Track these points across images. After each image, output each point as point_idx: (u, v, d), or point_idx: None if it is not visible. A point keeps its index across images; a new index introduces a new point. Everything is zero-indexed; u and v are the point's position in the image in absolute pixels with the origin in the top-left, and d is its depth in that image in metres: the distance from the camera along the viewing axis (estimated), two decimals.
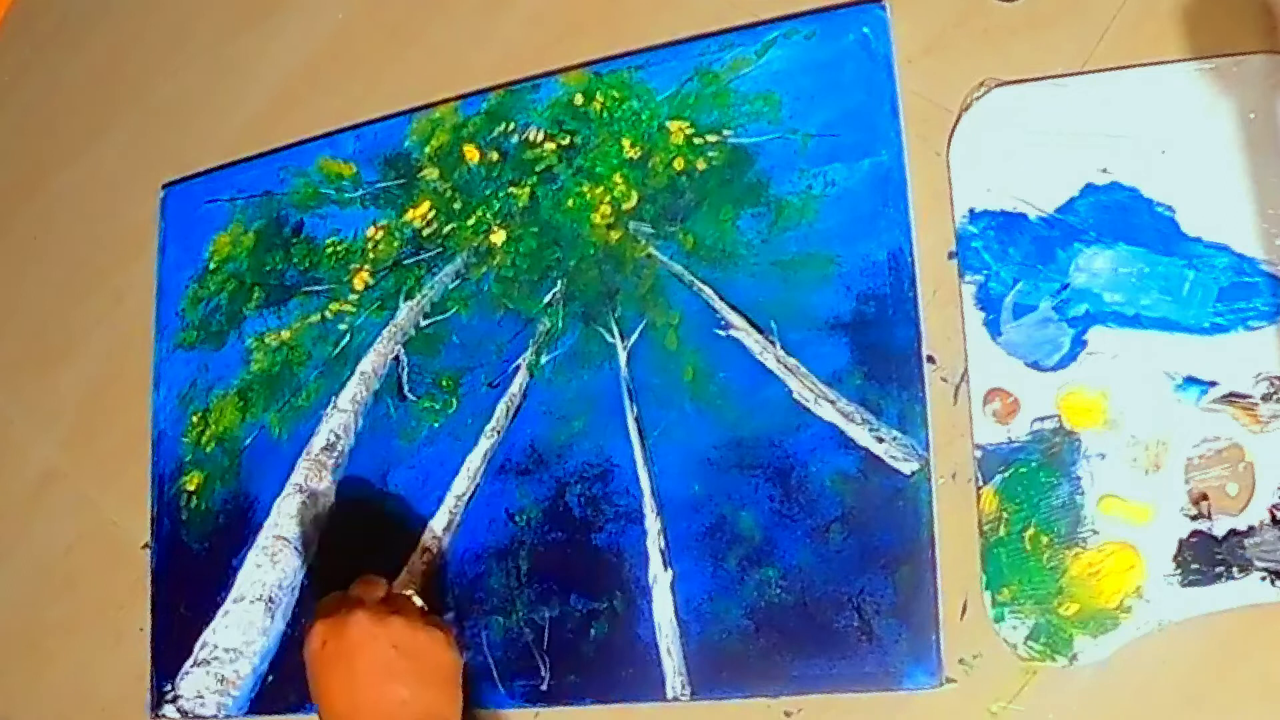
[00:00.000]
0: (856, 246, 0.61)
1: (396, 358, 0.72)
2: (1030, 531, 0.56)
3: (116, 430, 0.81)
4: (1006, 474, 0.57)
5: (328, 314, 0.74)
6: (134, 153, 0.85)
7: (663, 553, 0.63)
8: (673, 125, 0.66)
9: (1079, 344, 0.57)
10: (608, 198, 0.68)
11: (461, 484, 0.68)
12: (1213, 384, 0.55)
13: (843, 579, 0.59)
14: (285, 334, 0.75)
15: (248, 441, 0.75)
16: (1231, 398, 0.54)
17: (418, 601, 0.61)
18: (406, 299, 0.72)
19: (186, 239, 0.80)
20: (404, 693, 0.55)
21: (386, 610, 0.57)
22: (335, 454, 0.72)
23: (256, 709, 0.71)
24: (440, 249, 0.72)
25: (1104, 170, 0.58)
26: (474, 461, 0.68)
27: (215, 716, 0.72)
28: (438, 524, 0.68)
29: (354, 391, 0.72)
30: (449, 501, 0.68)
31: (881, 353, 0.60)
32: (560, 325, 0.67)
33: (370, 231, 0.74)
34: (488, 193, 0.71)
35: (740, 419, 0.62)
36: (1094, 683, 0.55)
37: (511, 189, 0.70)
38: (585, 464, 0.65)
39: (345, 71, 0.78)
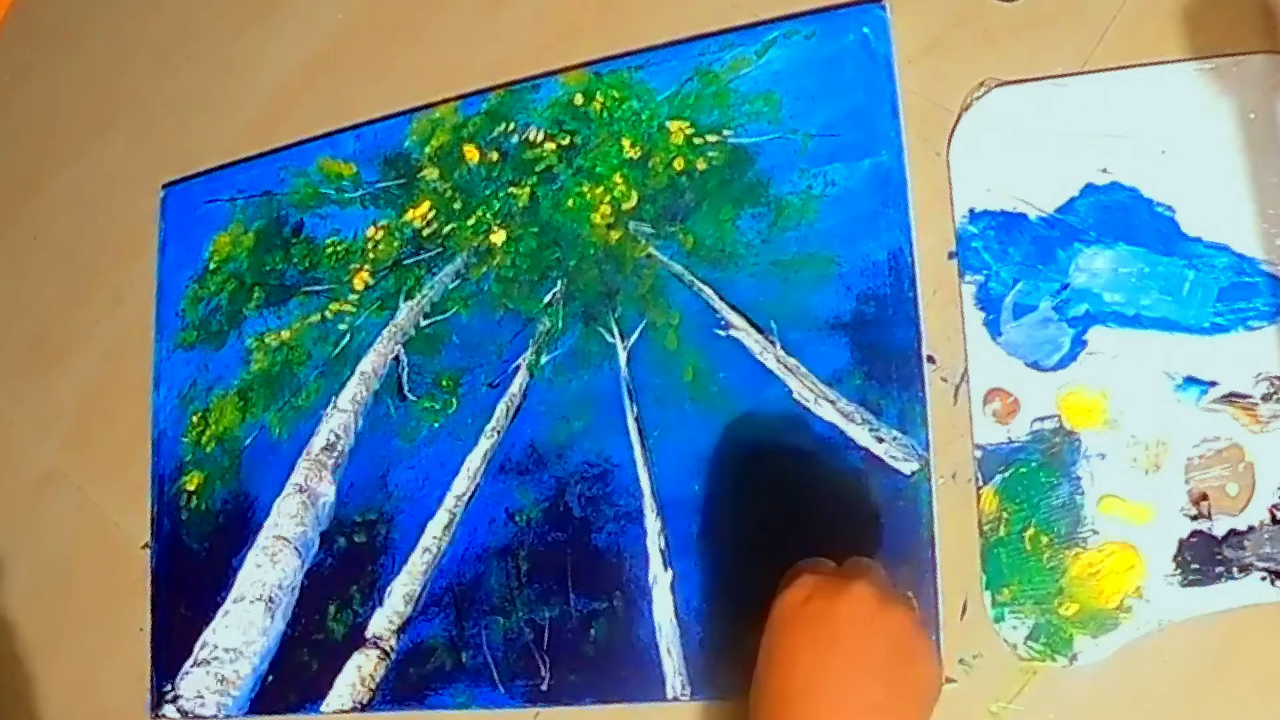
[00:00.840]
0: (856, 246, 0.61)
1: (396, 358, 0.72)
2: (1030, 531, 0.56)
3: (116, 430, 0.81)
4: (1006, 474, 0.57)
5: (328, 314, 0.74)
6: (134, 153, 0.85)
7: (663, 553, 0.63)
8: (673, 125, 0.66)
9: (1079, 344, 0.57)
10: (608, 198, 0.68)
11: (461, 484, 0.68)
12: (1213, 384, 0.55)
13: None
14: (285, 334, 0.75)
15: (248, 441, 0.75)
16: (1231, 398, 0.54)
17: (915, 604, 0.54)
18: (406, 299, 0.72)
19: (186, 239, 0.80)
20: (880, 696, 0.45)
21: (895, 592, 0.48)
22: (335, 454, 0.72)
23: (256, 709, 0.71)
24: (440, 249, 0.72)
25: (1104, 170, 0.58)
26: (474, 461, 0.68)
27: (215, 716, 0.72)
28: (438, 524, 0.68)
29: (354, 391, 0.72)
30: (449, 501, 0.68)
31: (881, 353, 0.60)
32: (560, 325, 0.67)
33: (370, 231, 0.74)
34: (488, 193, 0.71)
35: (740, 419, 0.62)
36: (1094, 683, 0.55)
37: (511, 189, 0.70)
38: (585, 464, 0.65)
39: (345, 71, 0.78)
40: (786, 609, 0.47)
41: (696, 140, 0.66)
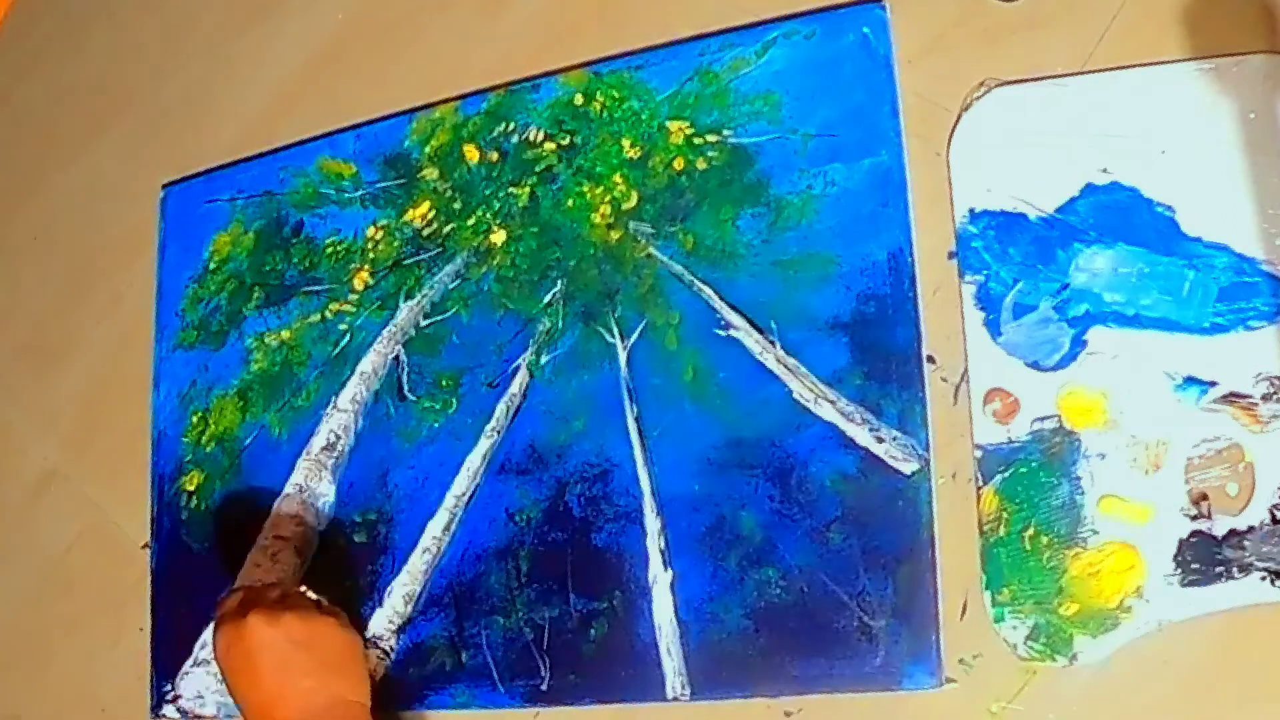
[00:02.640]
0: (856, 246, 0.61)
1: (396, 358, 0.72)
2: (1030, 531, 0.56)
3: (116, 430, 0.81)
4: (1006, 474, 0.57)
5: (328, 314, 0.74)
6: (134, 153, 0.85)
7: (663, 553, 0.63)
8: (673, 125, 0.66)
9: (1079, 344, 0.57)
10: (608, 198, 0.68)
11: (461, 484, 0.68)
12: (1213, 384, 0.55)
13: (843, 579, 0.59)
14: (285, 334, 0.75)
15: (248, 441, 0.75)
16: (1231, 398, 0.54)
17: (312, 595, 0.63)
18: (406, 299, 0.72)
19: (186, 239, 0.80)
20: (309, 682, 0.58)
21: (279, 607, 0.60)
22: (335, 454, 0.72)
23: None
24: (440, 249, 0.72)
25: (1104, 170, 0.58)
26: (474, 461, 0.68)
27: (215, 716, 0.72)
28: (438, 524, 0.68)
29: (354, 391, 0.72)
30: (449, 501, 0.68)
31: (881, 353, 0.60)
32: (560, 325, 0.67)
33: (370, 231, 0.74)
34: (488, 193, 0.71)
35: (740, 419, 0.62)
36: (1094, 683, 0.55)
37: (511, 189, 0.70)
38: (585, 464, 0.65)
39: (345, 71, 0.78)
40: (220, 663, 0.61)
41: (696, 140, 0.66)
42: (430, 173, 0.73)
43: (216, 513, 0.75)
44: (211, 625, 0.61)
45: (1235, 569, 0.53)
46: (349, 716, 0.59)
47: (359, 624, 0.68)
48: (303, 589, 0.63)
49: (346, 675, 0.60)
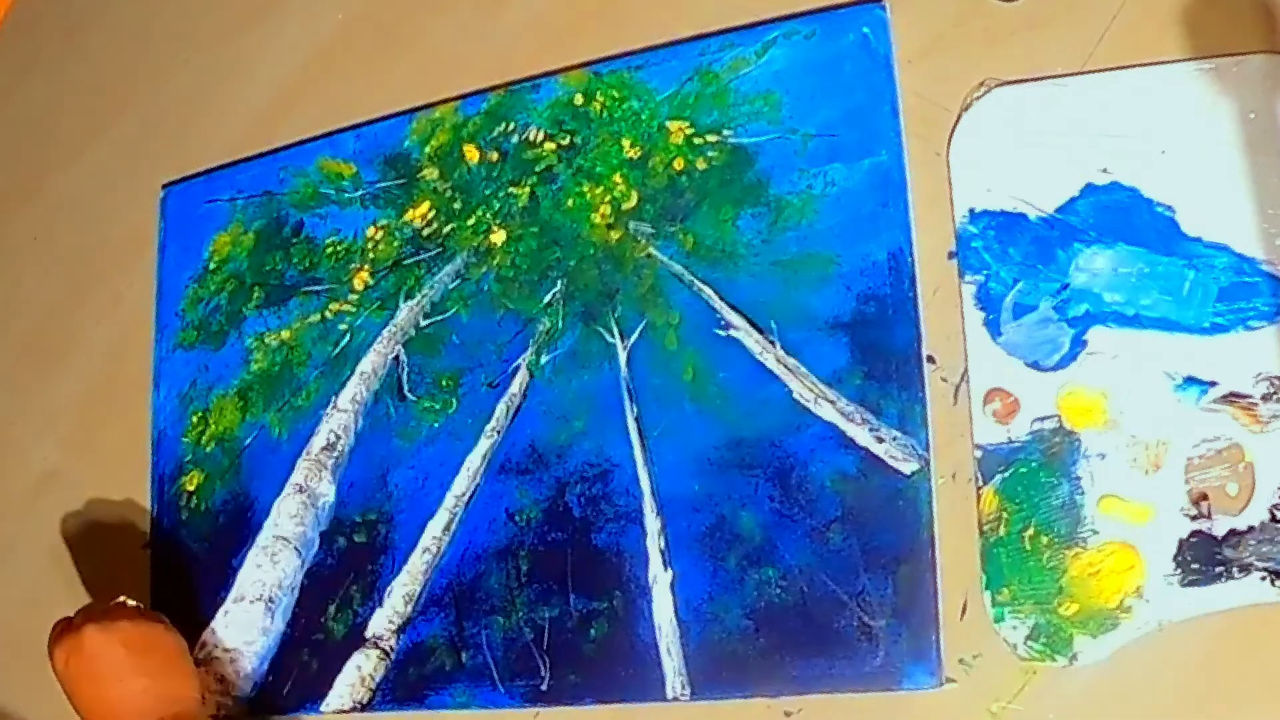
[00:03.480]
0: (856, 246, 0.61)
1: (396, 358, 0.72)
2: (1030, 531, 0.56)
3: (116, 430, 0.81)
4: (1006, 474, 0.57)
5: (328, 314, 0.74)
6: (134, 153, 0.85)
7: (663, 553, 0.63)
8: (673, 125, 0.66)
9: (1079, 344, 0.57)
10: (608, 198, 0.68)
11: (461, 484, 0.68)
12: (1213, 384, 0.55)
13: (843, 579, 0.59)
14: (285, 334, 0.75)
15: (248, 441, 0.75)
16: (1231, 398, 0.54)
17: (133, 603, 0.67)
18: (406, 299, 0.72)
19: (186, 239, 0.80)
20: (144, 681, 0.63)
21: (109, 616, 0.65)
22: (335, 454, 0.72)
23: (256, 709, 0.71)
24: (440, 249, 0.72)
25: (1104, 170, 0.58)
26: (474, 461, 0.68)
27: (215, 716, 0.72)
28: (438, 524, 0.68)
29: (354, 391, 0.72)
30: (449, 501, 0.68)
31: (881, 353, 0.60)
32: (560, 325, 0.67)
33: (370, 231, 0.74)
34: (488, 193, 0.71)
35: (740, 419, 0.62)
36: (1094, 683, 0.55)
37: (511, 189, 0.70)
38: (585, 464, 0.65)
39: (345, 71, 0.78)
40: (61, 679, 0.64)
41: (696, 140, 0.66)
42: (430, 173, 0.73)
43: (216, 513, 0.75)
44: (47, 646, 0.65)
45: (1235, 569, 0.53)
46: (185, 713, 0.64)
47: (362, 626, 0.69)
48: (123, 599, 0.67)
49: (179, 673, 0.66)
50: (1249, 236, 0.55)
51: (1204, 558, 0.54)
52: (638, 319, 0.65)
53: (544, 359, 0.67)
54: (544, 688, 0.64)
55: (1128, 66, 0.58)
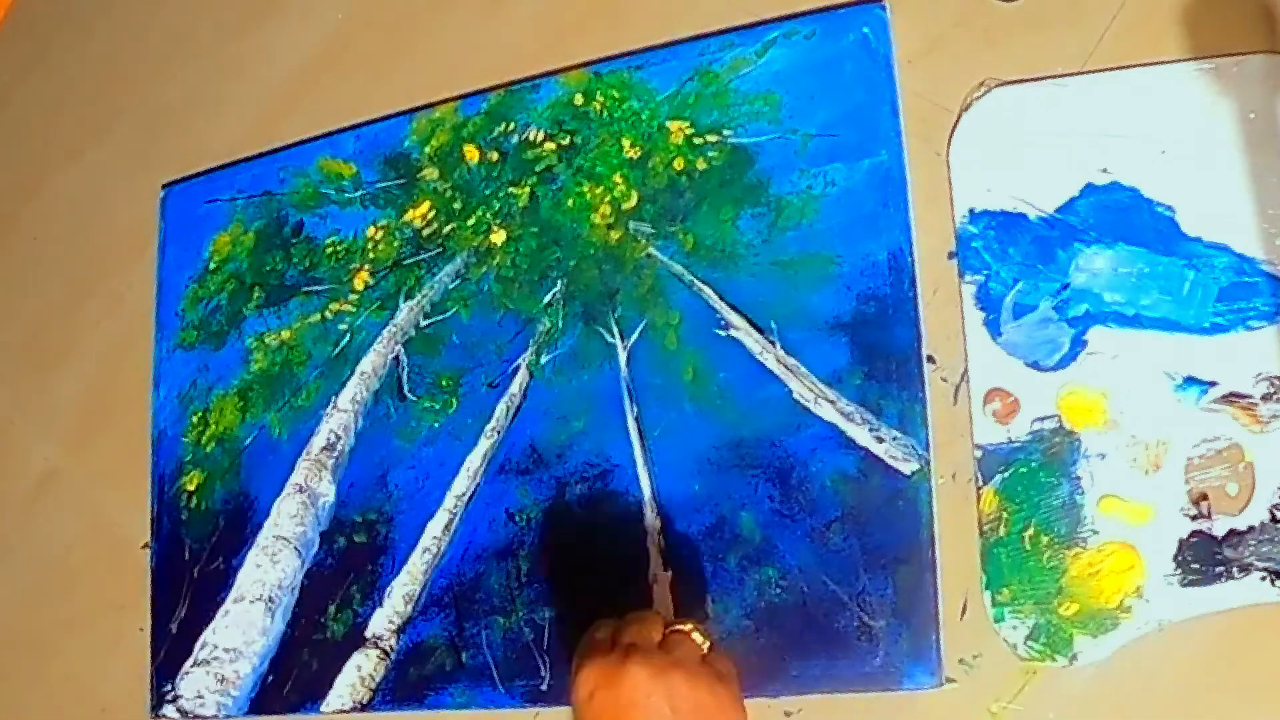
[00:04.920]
0: (856, 246, 0.61)
1: (396, 358, 0.72)
2: (1030, 531, 0.56)
3: (116, 430, 0.81)
4: (1006, 474, 0.57)
5: (328, 314, 0.74)
6: (134, 153, 0.85)
7: (663, 553, 0.63)
8: (673, 125, 0.66)
9: (1079, 344, 0.57)
10: (608, 198, 0.68)
11: (461, 484, 0.68)
12: (1213, 384, 0.55)
13: (843, 579, 0.59)
14: (285, 334, 0.75)
15: (248, 441, 0.75)
16: (1231, 398, 0.54)
17: (698, 639, 0.54)
18: (406, 299, 0.72)
19: (186, 239, 0.80)
20: None
21: (666, 661, 0.51)
22: (335, 454, 0.72)
23: (256, 709, 0.71)
24: (440, 249, 0.72)
25: (1104, 170, 0.58)
26: (474, 461, 0.68)
27: (215, 716, 0.72)
28: (438, 524, 0.68)
29: (354, 391, 0.72)
30: (449, 501, 0.68)
31: (881, 353, 0.60)
32: (560, 325, 0.67)
33: (370, 231, 0.74)
34: (488, 193, 0.71)
35: (740, 419, 0.62)
36: (1094, 683, 0.55)
37: (511, 189, 0.70)
38: (585, 464, 0.65)
39: (345, 71, 0.78)
40: (578, 708, 0.51)
41: (696, 140, 0.66)
42: (430, 173, 0.73)
43: (216, 513, 0.75)
44: (577, 657, 0.52)
45: (1235, 569, 0.53)
46: None
47: (362, 626, 0.69)
48: (690, 628, 0.54)
49: None
50: (1249, 236, 0.55)
51: (1204, 558, 0.54)
52: (638, 319, 0.66)
53: (544, 359, 0.67)
54: (544, 688, 0.64)
55: (1128, 66, 0.58)
